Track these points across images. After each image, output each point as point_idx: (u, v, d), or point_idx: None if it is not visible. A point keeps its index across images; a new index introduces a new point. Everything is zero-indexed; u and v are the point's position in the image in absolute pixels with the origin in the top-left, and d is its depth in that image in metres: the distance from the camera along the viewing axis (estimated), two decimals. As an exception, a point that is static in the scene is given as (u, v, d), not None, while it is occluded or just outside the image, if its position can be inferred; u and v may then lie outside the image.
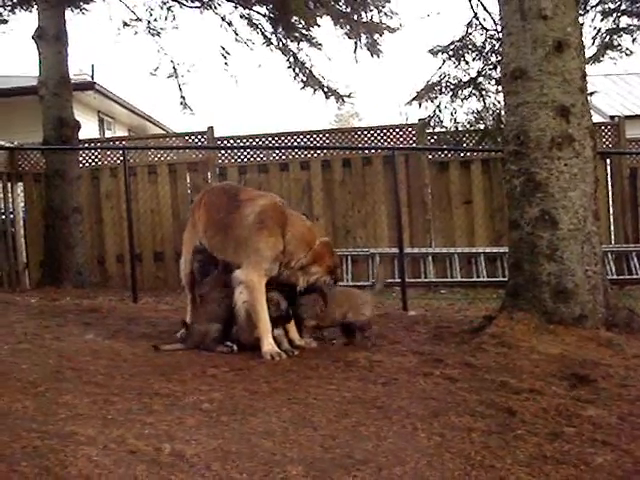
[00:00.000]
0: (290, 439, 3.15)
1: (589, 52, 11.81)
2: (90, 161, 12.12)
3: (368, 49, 12.78)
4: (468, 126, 12.00)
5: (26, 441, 2.98)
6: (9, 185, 11.72)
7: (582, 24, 6.44)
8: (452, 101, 11.91)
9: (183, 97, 13.68)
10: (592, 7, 11.92)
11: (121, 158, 10.46)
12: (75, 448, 2.90)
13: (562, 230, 5.22)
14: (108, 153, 12.17)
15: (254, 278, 5.02)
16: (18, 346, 5.18)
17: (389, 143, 11.67)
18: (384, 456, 2.96)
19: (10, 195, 11.74)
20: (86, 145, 12.28)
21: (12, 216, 11.71)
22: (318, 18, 12.31)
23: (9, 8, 12.23)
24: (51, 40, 10.65)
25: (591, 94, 7.78)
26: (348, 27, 12.50)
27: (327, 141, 11.98)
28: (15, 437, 3.03)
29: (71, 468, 2.70)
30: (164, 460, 2.83)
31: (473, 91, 11.75)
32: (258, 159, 11.92)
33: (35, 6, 11.14)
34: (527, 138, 5.34)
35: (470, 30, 11.50)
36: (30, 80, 12.73)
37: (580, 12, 8.80)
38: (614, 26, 12.29)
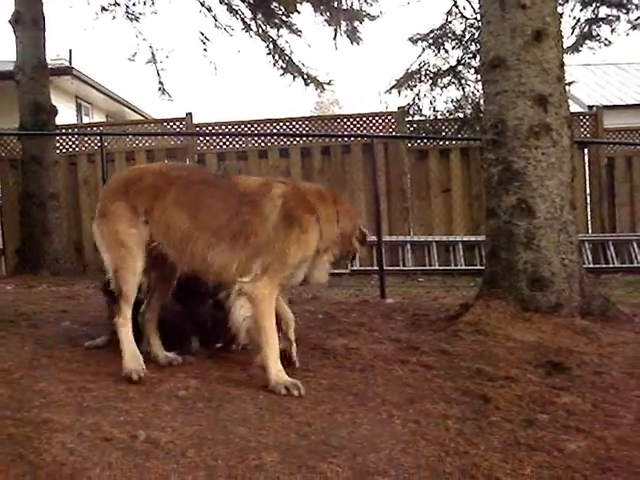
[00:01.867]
0: (266, 426, 3.15)
1: (568, 42, 11.90)
2: (67, 147, 12.02)
3: (348, 36, 12.77)
4: (447, 114, 12.06)
5: (0, 428, 2.97)
6: (-16, 171, 11.61)
7: (561, 14, 6.49)
8: (431, 89, 11.97)
9: (162, 83, 13.60)
10: (572, -3, 11.98)
11: (99, 144, 10.39)
12: (50, 435, 2.88)
13: (539, 219, 5.24)
14: (86, 139, 12.07)
15: (266, 290, 3.90)
16: (-7, 333, 5.14)
17: (368, 131, 11.67)
18: (359, 443, 2.97)
19: (-14, 181, 11.63)
20: (63, 131, 12.16)
21: (-12, 202, 11.61)
22: (298, 5, 12.30)
23: (-15, -9, 12.11)
24: (28, 24, 10.53)
25: (569, 84, 7.83)
26: (328, 14, 12.48)
27: (306, 129, 11.96)
28: (-11, 424, 3.01)
29: (46, 455, 2.69)
30: (139, 447, 2.82)
31: (452, 80, 11.81)
32: (237, 146, 11.88)
33: (12, -10, 11.00)
34: (505, 127, 5.35)
35: (450, 18, 11.56)
36: (6, 65, 12.58)
37: (559, 2, 8.84)
38: (593, 16, 12.36)
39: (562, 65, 5.49)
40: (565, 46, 7.22)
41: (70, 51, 18.37)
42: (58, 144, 11.71)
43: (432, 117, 12.01)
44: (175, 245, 4.05)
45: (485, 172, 5.60)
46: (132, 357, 3.94)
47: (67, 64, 17.49)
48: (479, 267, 10.21)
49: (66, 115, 15.78)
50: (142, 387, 3.75)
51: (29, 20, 10.55)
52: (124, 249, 4.05)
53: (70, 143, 12.06)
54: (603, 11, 12.40)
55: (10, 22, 10.61)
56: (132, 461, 2.68)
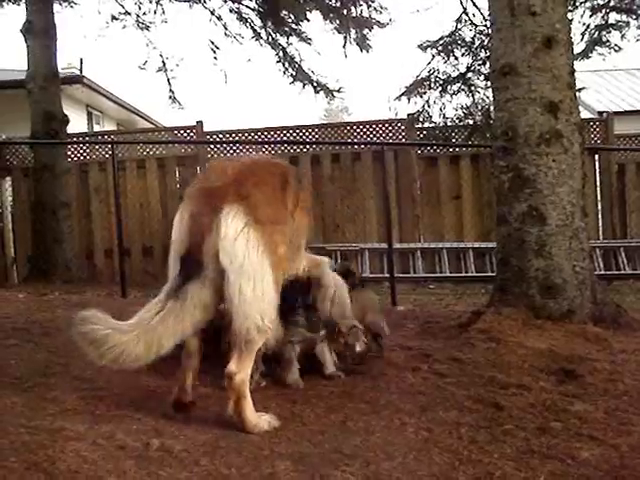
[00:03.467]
0: (278, 434, 3.16)
1: (578, 48, 11.87)
2: (79, 155, 12.09)
3: (357, 44, 12.78)
4: (457, 121, 12.04)
5: (14, 436, 2.98)
6: (-3, 179, 11.69)
7: (571, 20, 6.47)
8: (441, 96, 11.95)
9: (172, 91, 13.67)
10: (581, 3, 11.97)
11: (110, 152, 10.45)
12: (64, 443, 2.89)
13: (550, 226, 5.24)
14: (97, 147, 12.14)
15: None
16: (6, 342, 5.15)
17: (378, 138, 11.68)
18: (372, 451, 2.97)
19: (-2, 189, 11.71)
20: (74, 139, 12.22)
21: (0, 211, 11.66)
22: (307, 12, 12.33)
23: (-3, 1, 12.19)
24: (39, 34, 10.60)
25: (579, 90, 7.79)
26: (337, 22, 12.50)
27: (316, 136, 11.98)
28: (3, 433, 3.01)
29: (60, 463, 2.70)
30: (153, 455, 2.83)
31: (462, 86, 11.80)
32: (247, 154, 11.89)
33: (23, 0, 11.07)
34: (515, 134, 5.35)
35: (459, 26, 11.55)
36: (18, 74, 12.66)
37: (569, 8, 8.83)
38: (603, 22, 12.34)
39: (572, 72, 5.49)
40: (575, 52, 7.20)
41: (81, 60, 18.49)
42: (69, 152, 11.78)
43: (442, 124, 12.00)
44: None
45: (496, 179, 5.60)
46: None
47: (78, 73, 17.60)
48: (490, 274, 10.18)
49: (77, 124, 15.88)
50: (154, 395, 3.77)
51: (40, 29, 10.62)
52: None
53: (81, 151, 12.13)
54: (613, 17, 12.39)
55: (21, 31, 10.68)
56: (146, 469, 2.69)
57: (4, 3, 12.19)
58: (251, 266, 3.13)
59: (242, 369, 3.19)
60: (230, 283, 3.11)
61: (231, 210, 3.15)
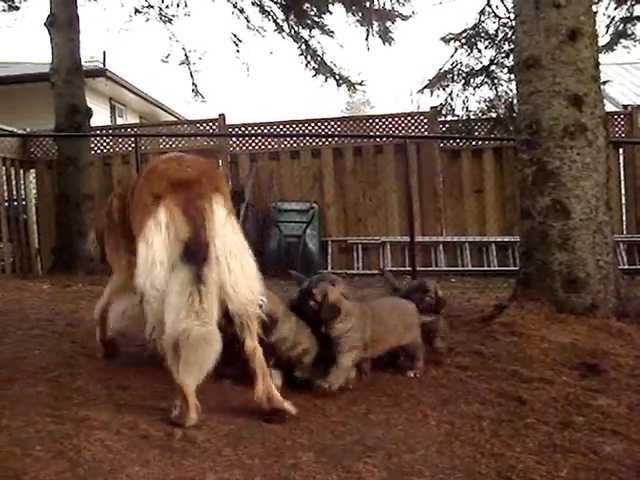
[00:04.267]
0: (301, 425, 3.18)
1: (602, 40, 11.73)
2: (102, 148, 12.16)
3: (380, 36, 12.71)
4: (480, 114, 11.96)
5: (40, 425, 3.02)
6: (21, 172, 11.80)
7: (596, 12, 6.40)
8: (464, 89, 11.87)
9: (195, 84, 13.67)
10: (606, -5, 11.84)
11: (132, 145, 10.50)
12: (88, 433, 2.93)
13: (574, 219, 5.20)
14: (119, 140, 12.20)
15: None
16: (31, 332, 5.21)
17: (400, 131, 11.65)
18: (394, 443, 2.98)
19: (22, 182, 11.81)
20: (98, 132, 12.30)
21: (24, 203, 11.77)
22: (330, 5, 12.29)
23: (20, -5, 12.27)
24: (63, 27, 10.63)
25: (604, 83, 7.73)
26: (360, 14, 12.44)
27: (338, 129, 11.97)
28: (29, 422, 3.06)
29: (84, 452, 2.74)
30: (176, 445, 2.86)
31: (485, 79, 11.71)
32: (269, 147, 11.93)
33: (47, -8, 11.13)
34: (540, 127, 5.32)
35: (483, 18, 11.46)
36: (42, 67, 12.75)
37: (594, 0, 8.77)
38: (628, 14, 12.20)
39: (597, 64, 5.44)
40: (600, 45, 7.13)
41: (104, 53, 18.56)
42: (93, 145, 11.85)
43: (465, 117, 11.93)
44: None
45: (519, 173, 5.57)
46: None
47: (101, 66, 17.67)
48: (512, 268, 10.15)
49: (100, 116, 15.98)
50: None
51: (64, 23, 10.64)
52: None
53: (104, 144, 12.20)
54: (638, 9, 12.24)
55: (45, 25, 10.72)
56: (169, 458, 2.72)
57: (28, -4, 12.28)
58: (237, 249, 3.35)
59: (257, 343, 3.36)
60: (221, 265, 3.26)
61: (216, 198, 3.37)
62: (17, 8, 12.40)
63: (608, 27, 12.26)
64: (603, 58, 9.85)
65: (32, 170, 12.10)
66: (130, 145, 11.69)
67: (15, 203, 11.48)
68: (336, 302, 3.81)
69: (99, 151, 12.09)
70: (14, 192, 11.50)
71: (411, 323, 4.19)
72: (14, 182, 11.54)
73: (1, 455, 2.69)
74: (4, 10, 12.38)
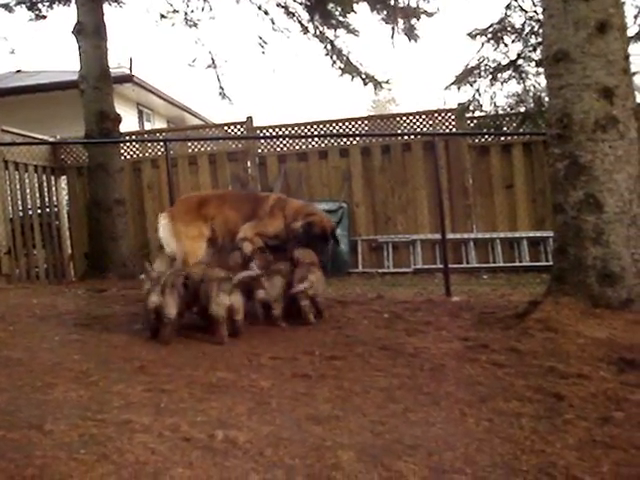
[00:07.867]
0: (340, 425, 3.19)
1: (631, 32, 11.59)
2: (131, 153, 12.29)
3: (405, 34, 12.68)
4: (508, 109, 11.87)
5: (83, 429, 3.07)
6: (53, 179, 11.97)
7: (624, 3, 6.33)
8: (491, 84, 11.78)
9: (222, 87, 13.73)
10: (634, -15, 11.70)
11: (162, 150, 10.59)
12: (131, 436, 2.97)
13: (607, 213, 5.16)
14: (149, 145, 12.31)
15: None
16: (69, 337, 5.29)
17: (428, 128, 11.61)
18: (434, 441, 2.98)
19: (54, 188, 11.97)
20: (127, 138, 12.41)
21: (56, 209, 11.93)
22: (355, 4, 12.29)
23: (47, 4, 12.42)
24: (90, 34, 10.76)
25: (634, 74, 7.65)
26: (385, 12, 12.43)
27: (366, 128, 11.96)
28: (72, 426, 3.11)
29: (128, 455, 2.77)
30: (218, 447, 2.89)
31: (513, 74, 11.61)
32: (297, 147, 11.96)
33: (73, 1, 11.25)
34: (571, 121, 5.28)
35: (509, 12, 11.37)
36: (71, 74, 12.89)
37: (622, -9, 8.66)
38: (657, 4, 12.05)
39: (627, 56, 5.39)
40: (629, 36, 7.05)
41: (130, 59, 18.74)
42: (122, 150, 11.97)
43: (493, 112, 11.85)
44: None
45: (551, 167, 5.53)
46: None
47: (128, 72, 17.83)
48: (544, 263, 10.10)
49: (128, 122, 16.10)
50: (216, 387, 3.83)
51: (91, 30, 10.77)
52: None
53: (134, 149, 12.32)
54: (667, -2, 12.09)
55: (73, 33, 10.85)
56: (212, 460, 2.75)
57: (54, 5, 12.39)
58: None
59: None
60: None
61: None
62: (44, 17, 12.55)
63: (636, 18, 12.12)
64: (632, 49, 9.76)
65: (63, 177, 12.27)
66: (159, 150, 11.80)
67: (47, 210, 11.64)
68: None
69: (129, 156, 12.23)
70: (46, 199, 11.65)
71: None
72: (46, 189, 11.71)
73: (46, 459, 2.73)
74: (31, 19, 12.54)
